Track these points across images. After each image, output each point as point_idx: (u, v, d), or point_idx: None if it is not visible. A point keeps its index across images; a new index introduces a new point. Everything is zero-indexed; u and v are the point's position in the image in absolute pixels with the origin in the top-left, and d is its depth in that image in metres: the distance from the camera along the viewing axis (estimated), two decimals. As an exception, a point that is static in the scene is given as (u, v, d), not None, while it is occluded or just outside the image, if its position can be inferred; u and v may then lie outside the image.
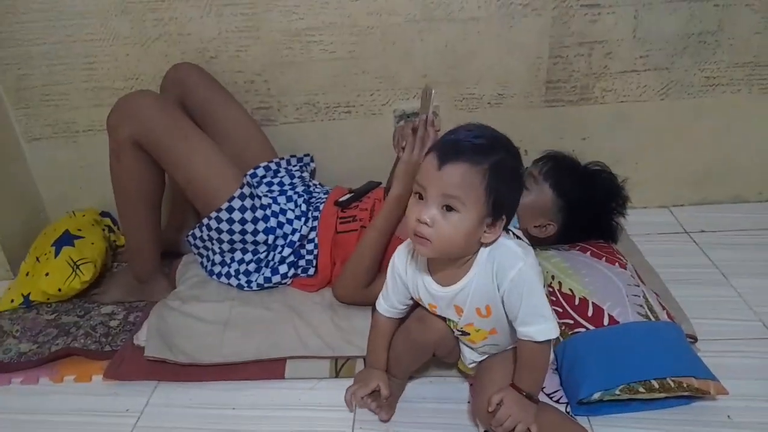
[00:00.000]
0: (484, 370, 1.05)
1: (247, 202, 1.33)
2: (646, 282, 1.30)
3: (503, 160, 0.87)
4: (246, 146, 1.52)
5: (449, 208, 0.85)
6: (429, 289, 0.98)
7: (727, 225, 1.62)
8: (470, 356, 1.08)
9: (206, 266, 1.46)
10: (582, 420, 1.05)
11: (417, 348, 1.08)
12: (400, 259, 1.03)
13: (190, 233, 1.41)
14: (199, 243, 1.42)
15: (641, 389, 1.03)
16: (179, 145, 1.29)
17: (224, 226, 1.34)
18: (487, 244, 0.91)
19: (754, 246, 1.53)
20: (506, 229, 0.95)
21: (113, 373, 1.25)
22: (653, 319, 1.13)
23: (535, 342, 0.91)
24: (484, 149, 0.86)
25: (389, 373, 1.12)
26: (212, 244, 1.40)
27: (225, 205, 1.32)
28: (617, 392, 1.03)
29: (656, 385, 1.03)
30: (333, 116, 1.66)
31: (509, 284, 0.89)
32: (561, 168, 1.35)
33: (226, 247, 1.39)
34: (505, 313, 0.94)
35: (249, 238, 1.36)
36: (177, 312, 1.35)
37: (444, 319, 1.03)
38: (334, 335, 1.27)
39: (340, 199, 1.45)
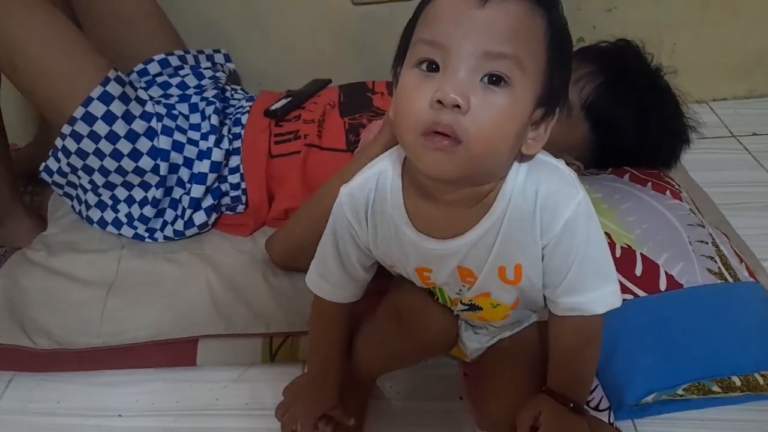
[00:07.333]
0: (492, 363, 0.69)
1: (116, 107, 0.88)
2: (702, 212, 0.94)
3: (561, 15, 0.50)
4: (132, 30, 1.04)
5: (497, 80, 0.46)
6: (418, 245, 0.57)
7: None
8: (472, 343, 0.70)
9: (79, 211, 1.02)
10: (625, 424, 0.74)
11: (412, 349, 0.70)
12: (352, 203, 0.60)
13: (42, 167, 0.96)
14: (59, 180, 0.97)
15: (716, 388, 0.70)
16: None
17: (87, 145, 0.89)
18: (527, 157, 0.53)
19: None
20: None
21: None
22: (730, 279, 0.77)
23: (591, 317, 0.56)
24: None
25: (352, 374, 0.73)
26: (78, 177, 0.95)
27: (79, 112, 0.86)
28: (680, 392, 0.71)
29: (738, 383, 0.70)
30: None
31: (561, 229, 0.53)
32: (611, 101, 0.89)
33: (98, 179, 0.94)
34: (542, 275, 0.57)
35: (127, 164, 0.91)
36: (40, 269, 0.95)
37: (431, 292, 0.64)
38: (268, 301, 0.89)
39: (272, 107, 1.01)
